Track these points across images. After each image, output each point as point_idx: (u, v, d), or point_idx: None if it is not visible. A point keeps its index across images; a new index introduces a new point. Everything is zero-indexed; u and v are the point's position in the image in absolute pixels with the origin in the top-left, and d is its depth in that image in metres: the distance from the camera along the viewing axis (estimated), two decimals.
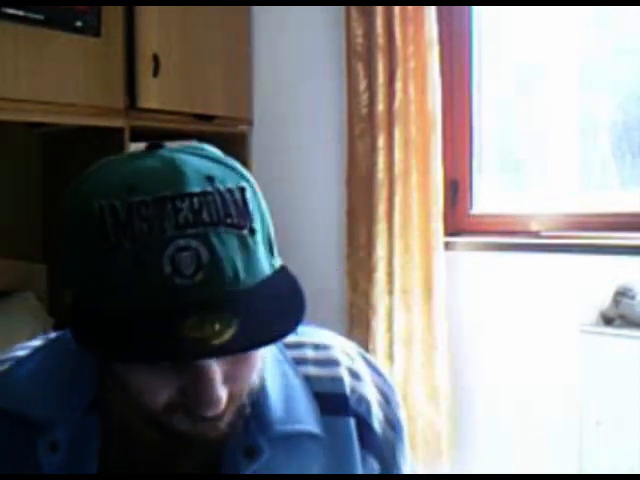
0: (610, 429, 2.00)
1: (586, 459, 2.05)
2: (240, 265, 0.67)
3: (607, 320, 2.08)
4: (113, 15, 2.27)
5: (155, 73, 2.39)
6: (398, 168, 2.36)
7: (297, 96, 2.74)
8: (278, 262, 0.74)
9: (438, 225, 2.34)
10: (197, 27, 2.55)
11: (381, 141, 2.39)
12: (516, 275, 2.32)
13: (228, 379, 0.71)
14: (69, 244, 0.71)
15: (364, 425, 0.86)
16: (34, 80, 2.11)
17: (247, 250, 0.68)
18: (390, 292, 2.37)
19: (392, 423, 0.89)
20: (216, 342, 0.64)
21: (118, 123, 2.35)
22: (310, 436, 0.82)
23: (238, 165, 0.75)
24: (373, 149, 2.40)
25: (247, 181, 0.73)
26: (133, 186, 0.68)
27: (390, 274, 2.37)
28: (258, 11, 2.80)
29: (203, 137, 2.66)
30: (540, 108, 2.47)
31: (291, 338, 0.84)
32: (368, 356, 0.93)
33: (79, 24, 2.15)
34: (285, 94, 2.77)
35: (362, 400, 0.86)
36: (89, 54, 2.23)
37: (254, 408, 0.78)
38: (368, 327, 2.37)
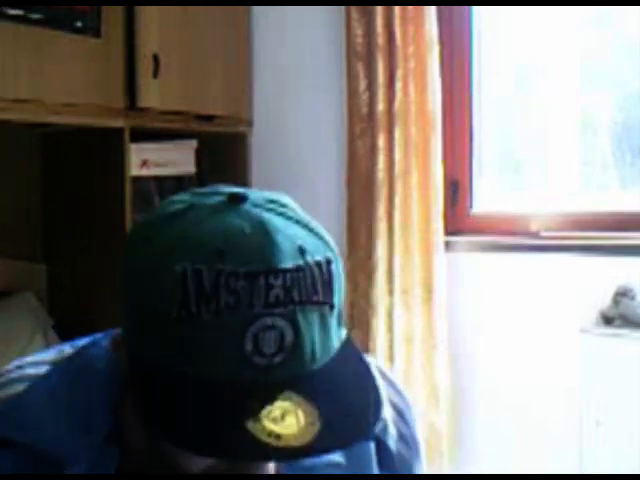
0: (610, 429, 2.00)
1: (586, 459, 2.05)
2: (318, 345, 0.65)
3: (607, 320, 2.08)
4: (113, 15, 2.27)
5: (155, 73, 2.39)
6: (398, 168, 2.36)
7: (297, 96, 2.74)
8: (344, 333, 0.71)
9: (438, 225, 2.34)
10: (197, 27, 2.55)
11: (381, 141, 2.39)
12: (516, 275, 2.32)
13: None
14: (142, 299, 0.66)
15: (382, 447, 0.84)
16: (34, 80, 2.11)
17: (325, 328, 0.66)
18: (390, 292, 2.37)
19: (406, 440, 0.87)
20: (297, 443, 0.60)
21: (118, 123, 2.35)
22: (333, 465, 0.80)
23: (322, 229, 0.71)
24: (373, 149, 2.40)
25: (332, 250, 0.70)
26: (222, 252, 0.63)
27: (390, 274, 2.37)
28: (258, 11, 2.80)
29: (203, 137, 2.67)
30: (540, 108, 2.46)
31: None
32: (385, 370, 0.91)
33: (79, 24, 2.15)
34: (285, 94, 2.77)
35: (379, 421, 0.84)
36: (89, 54, 2.23)
37: None
38: (368, 327, 2.37)
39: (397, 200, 2.36)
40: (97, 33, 2.21)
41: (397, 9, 2.34)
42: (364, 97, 2.45)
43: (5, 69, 2.04)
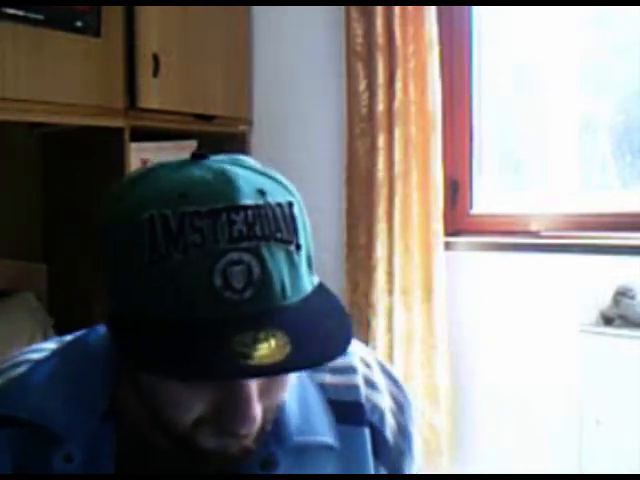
0: (610, 429, 2.00)
1: (586, 459, 2.05)
2: (287, 281, 0.67)
3: (607, 320, 2.08)
4: (113, 15, 2.27)
5: (155, 73, 2.39)
6: (398, 168, 2.36)
7: (297, 96, 2.74)
8: (315, 279, 0.74)
9: (438, 225, 2.34)
10: (197, 27, 2.55)
11: (381, 141, 2.39)
12: (516, 275, 2.32)
13: (262, 395, 0.70)
14: (115, 252, 0.70)
15: (378, 436, 0.85)
16: (34, 80, 2.11)
17: (293, 266, 0.68)
18: (390, 292, 2.37)
19: (403, 431, 0.88)
20: (269, 361, 0.63)
21: (118, 123, 2.35)
22: (325, 447, 0.81)
23: (283, 179, 0.74)
24: (373, 149, 2.40)
25: (294, 196, 0.73)
26: (184, 194, 0.67)
27: (390, 274, 2.37)
28: (258, 11, 2.80)
29: (203, 137, 2.67)
30: (540, 108, 2.46)
31: None
32: (386, 364, 0.92)
33: (79, 24, 2.15)
34: (285, 94, 2.77)
35: (376, 410, 0.86)
36: (89, 54, 2.23)
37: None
38: (368, 327, 2.37)
39: (397, 200, 2.36)
40: (97, 33, 2.21)
41: (397, 9, 2.34)
42: (364, 97, 2.44)
43: (5, 69, 2.04)
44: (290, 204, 0.71)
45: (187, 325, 0.64)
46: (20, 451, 0.77)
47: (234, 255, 0.65)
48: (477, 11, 2.48)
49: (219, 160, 0.72)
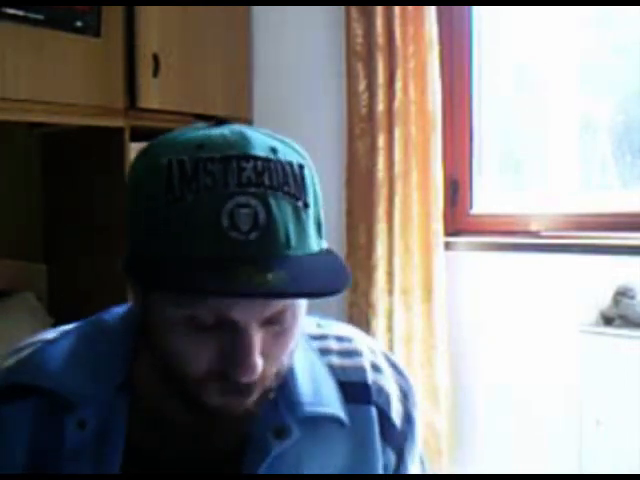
0: (610, 429, 2.00)
1: (586, 459, 2.05)
2: (292, 232, 0.71)
3: (607, 320, 2.08)
4: (113, 15, 2.28)
5: (155, 73, 2.39)
6: (398, 168, 2.36)
7: (297, 96, 2.74)
8: (324, 244, 0.77)
9: (438, 225, 2.34)
10: (197, 27, 2.55)
11: (381, 141, 2.39)
12: (516, 275, 2.32)
13: (264, 350, 0.73)
14: (135, 196, 0.74)
15: (384, 417, 0.88)
16: (34, 80, 2.11)
17: (300, 221, 0.72)
18: (390, 292, 2.37)
19: (408, 417, 0.91)
20: (266, 287, 0.67)
21: (118, 123, 2.35)
22: (336, 421, 0.84)
23: (298, 146, 0.78)
24: (373, 149, 2.40)
25: (306, 161, 0.77)
26: (202, 144, 0.72)
27: (390, 274, 2.37)
28: (258, 11, 2.80)
29: None
30: (540, 108, 2.47)
31: (315, 330, 0.89)
32: (389, 353, 0.95)
33: (79, 24, 2.15)
34: (285, 94, 2.77)
35: (382, 392, 0.88)
36: (89, 54, 2.23)
37: (284, 389, 0.81)
38: (368, 327, 2.37)
39: (397, 200, 2.36)
40: (97, 33, 2.21)
41: (397, 9, 2.34)
42: (364, 97, 2.45)
43: (5, 69, 2.04)
44: (301, 166, 0.75)
45: (192, 260, 0.68)
46: (38, 422, 0.81)
47: (242, 199, 0.69)
48: (477, 11, 2.48)
49: (239, 125, 0.77)
